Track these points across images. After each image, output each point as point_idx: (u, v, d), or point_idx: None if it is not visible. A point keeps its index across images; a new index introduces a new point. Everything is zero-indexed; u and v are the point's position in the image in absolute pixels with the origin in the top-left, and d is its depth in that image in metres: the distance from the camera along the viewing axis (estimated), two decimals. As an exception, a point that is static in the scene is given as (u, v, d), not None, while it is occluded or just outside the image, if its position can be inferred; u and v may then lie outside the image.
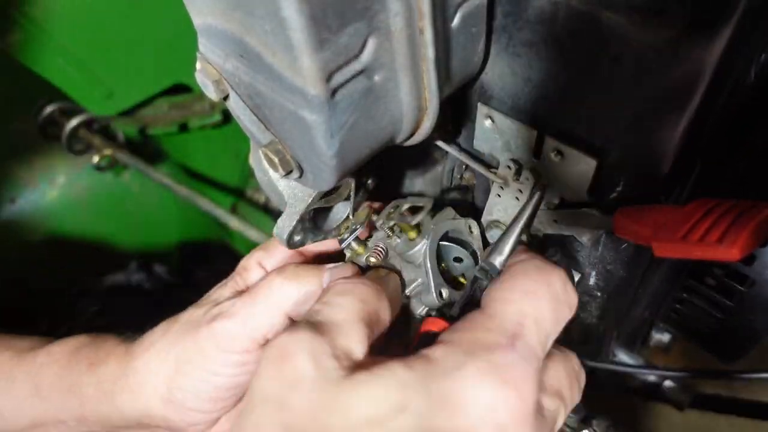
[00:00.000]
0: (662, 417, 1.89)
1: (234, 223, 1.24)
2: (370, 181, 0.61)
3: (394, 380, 0.37)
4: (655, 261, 0.61)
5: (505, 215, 0.61)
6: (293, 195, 0.57)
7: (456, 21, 0.44)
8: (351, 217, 0.61)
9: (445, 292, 0.56)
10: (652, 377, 1.08)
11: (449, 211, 0.62)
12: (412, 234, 0.58)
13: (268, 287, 0.55)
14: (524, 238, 0.50)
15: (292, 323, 0.53)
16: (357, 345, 0.42)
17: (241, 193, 1.58)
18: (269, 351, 0.40)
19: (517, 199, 0.58)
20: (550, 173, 0.55)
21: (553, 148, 0.52)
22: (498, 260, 0.47)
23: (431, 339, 0.43)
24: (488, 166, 0.60)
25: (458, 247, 0.62)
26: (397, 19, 0.39)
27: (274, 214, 1.51)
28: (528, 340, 0.40)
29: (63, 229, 1.59)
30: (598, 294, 0.64)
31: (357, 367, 0.39)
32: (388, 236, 0.60)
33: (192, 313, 0.58)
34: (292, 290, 0.54)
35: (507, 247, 0.48)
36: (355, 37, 0.37)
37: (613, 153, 0.50)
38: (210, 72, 0.44)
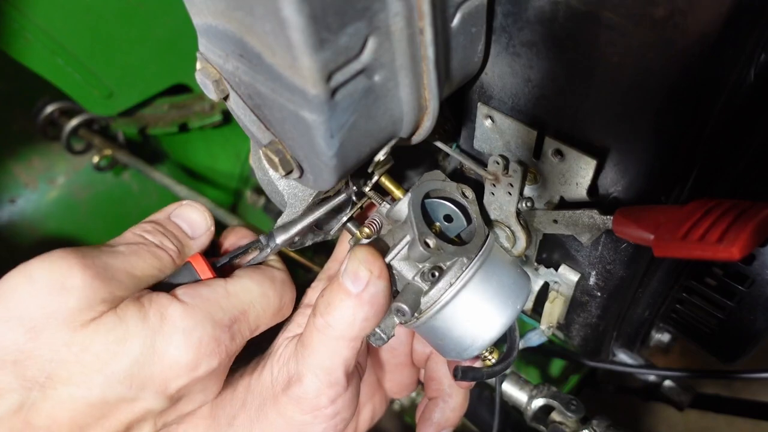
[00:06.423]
0: (662, 417, 1.89)
1: (234, 223, 1.23)
2: (369, 182, 0.61)
3: (125, 330, 0.48)
4: (655, 261, 0.60)
5: (501, 213, 0.61)
6: (293, 195, 0.57)
7: (456, 21, 0.44)
8: (351, 218, 0.61)
9: (431, 242, 0.53)
10: (652, 377, 1.08)
11: (438, 173, 0.60)
12: (398, 193, 0.58)
13: (326, 333, 0.53)
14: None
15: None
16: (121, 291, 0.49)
17: (241, 193, 1.58)
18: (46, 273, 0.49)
19: (509, 194, 0.58)
20: (550, 173, 0.55)
21: (553, 148, 0.52)
22: (281, 238, 0.57)
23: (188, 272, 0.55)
24: (485, 165, 0.60)
25: (446, 203, 0.60)
26: (397, 18, 0.39)
27: (274, 214, 1.51)
28: (242, 327, 0.53)
29: (63, 229, 1.59)
30: (598, 294, 0.64)
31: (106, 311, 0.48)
32: (379, 203, 0.59)
33: (260, 382, 0.57)
34: (352, 326, 0.52)
35: (294, 230, 0.57)
36: (355, 36, 0.37)
37: (613, 153, 0.50)
38: (210, 72, 0.44)
